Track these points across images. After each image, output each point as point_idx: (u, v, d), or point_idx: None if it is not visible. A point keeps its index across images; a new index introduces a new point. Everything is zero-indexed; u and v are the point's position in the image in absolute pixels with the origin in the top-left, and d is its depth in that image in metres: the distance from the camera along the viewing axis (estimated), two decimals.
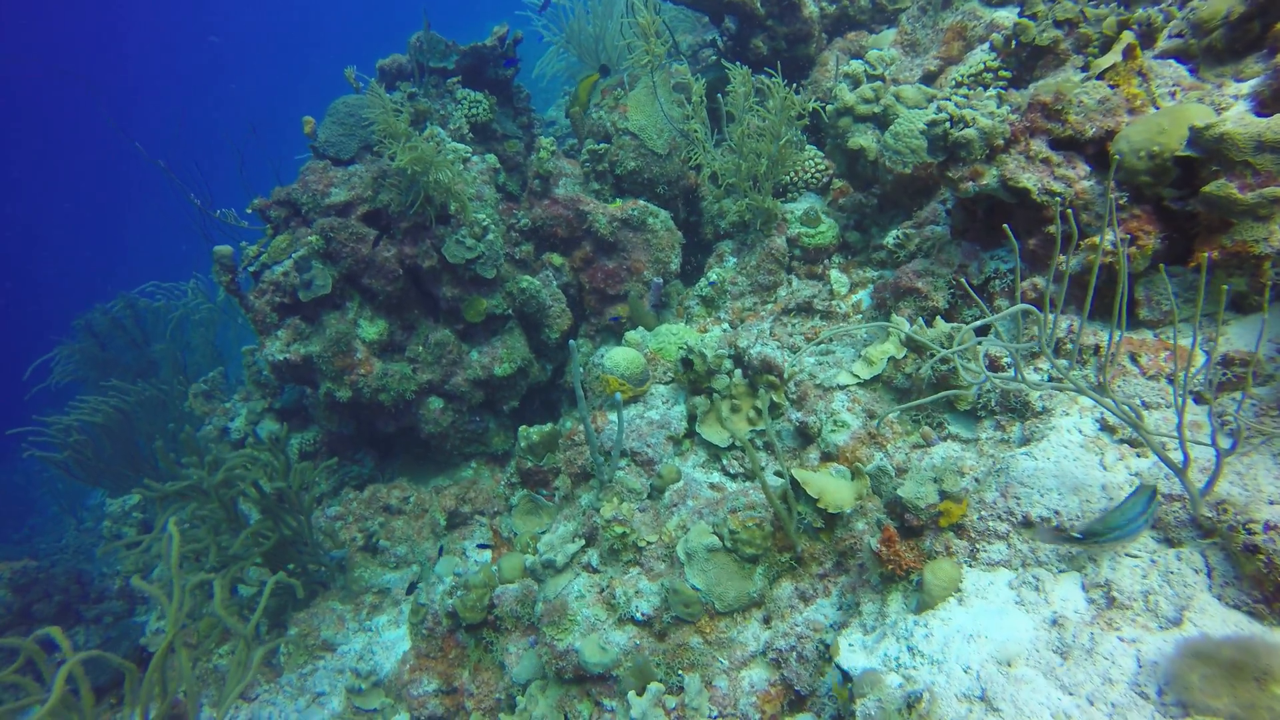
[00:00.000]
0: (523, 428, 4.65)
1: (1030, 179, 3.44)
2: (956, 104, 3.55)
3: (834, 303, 4.74)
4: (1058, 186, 3.41)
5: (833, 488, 3.41)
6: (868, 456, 3.62)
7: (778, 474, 3.63)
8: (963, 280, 3.74)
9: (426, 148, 5.03)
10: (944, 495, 2.81)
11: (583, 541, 3.80)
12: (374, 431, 5.87)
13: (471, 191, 5.44)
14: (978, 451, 3.35)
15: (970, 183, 3.54)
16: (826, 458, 3.74)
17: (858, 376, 3.86)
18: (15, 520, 10.06)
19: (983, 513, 2.82)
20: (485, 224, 5.32)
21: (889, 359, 3.82)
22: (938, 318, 3.62)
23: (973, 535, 2.80)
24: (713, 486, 3.93)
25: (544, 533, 4.55)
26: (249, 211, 5.55)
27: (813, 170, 5.44)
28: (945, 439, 3.56)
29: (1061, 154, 3.46)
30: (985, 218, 3.80)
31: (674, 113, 5.60)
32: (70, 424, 6.71)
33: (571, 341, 3.70)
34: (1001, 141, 3.50)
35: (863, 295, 4.77)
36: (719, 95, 5.23)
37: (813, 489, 3.39)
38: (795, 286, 4.91)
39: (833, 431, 3.75)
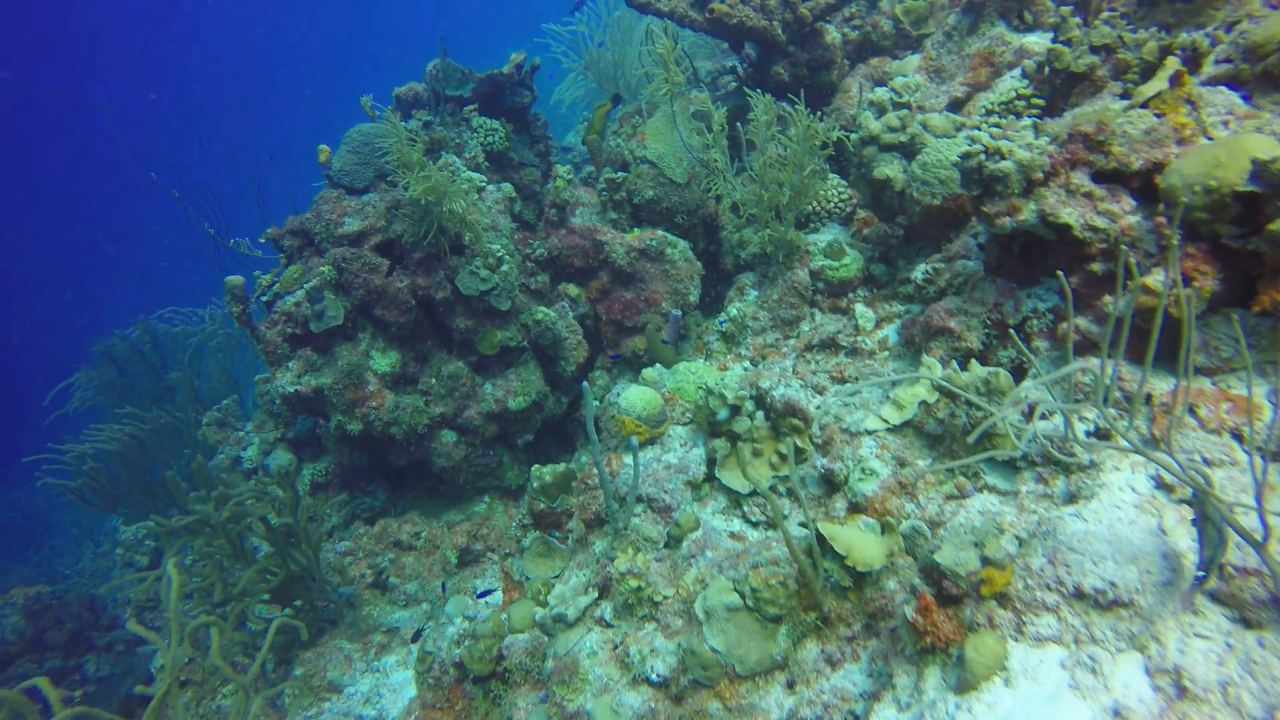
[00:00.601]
0: (535, 467, 4.40)
1: (1071, 214, 3.17)
2: (991, 135, 3.28)
3: (859, 339, 4.46)
4: (1101, 222, 3.13)
5: (861, 543, 3.13)
6: (898, 508, 3.34)
7: (802, 525, 3.35)
8: (1001, 320, 3.47)
9: (440, 177, 4.83)
10: (986, 561, 2.53)
11: (595, 594, 3.54)
12: (386, 463, 5.64)
13: (486, 221, 5.23)
14: (1017, 506, 3.06)
15: (1007, 218, 3.27)
16: (854, 508, 3.46)
17: (886, 421, 3.58)
18: (36, 542, 9.93)
19: (1029, 581, 2.53)
20: (500, 254, 5.10)
21: (920, 403, 3.53)
22: (973, 361, 3.34)
23: (1018, 606, 2.51)
24: (733, 536, 3.66)
25: (556, 577, 4.29)
26: (262, 241, 5.37)
27: (836, 200, 5.19)
28: (981, 490, 3.27)
29: (1105, 187, 3.18)
30: (1022, 254, 3.52)
31: (693, 141, 5.37)
32: (85, 452, 6.54)
33: (584, 384, 3.45)
34: (1040, 174, 3.23)
35: (889, 331, 4.50)
36: (739, 123, 4.99)
37: (840, 545, 3.11)
38: (819, 321, 4.65)
39: (860, 480, 3.46)
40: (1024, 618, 2.48)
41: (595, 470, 3.54)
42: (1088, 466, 2.90)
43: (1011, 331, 3.01)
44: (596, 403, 5.59)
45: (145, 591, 6.38)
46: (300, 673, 4.93)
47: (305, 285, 5.14)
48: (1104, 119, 3.14)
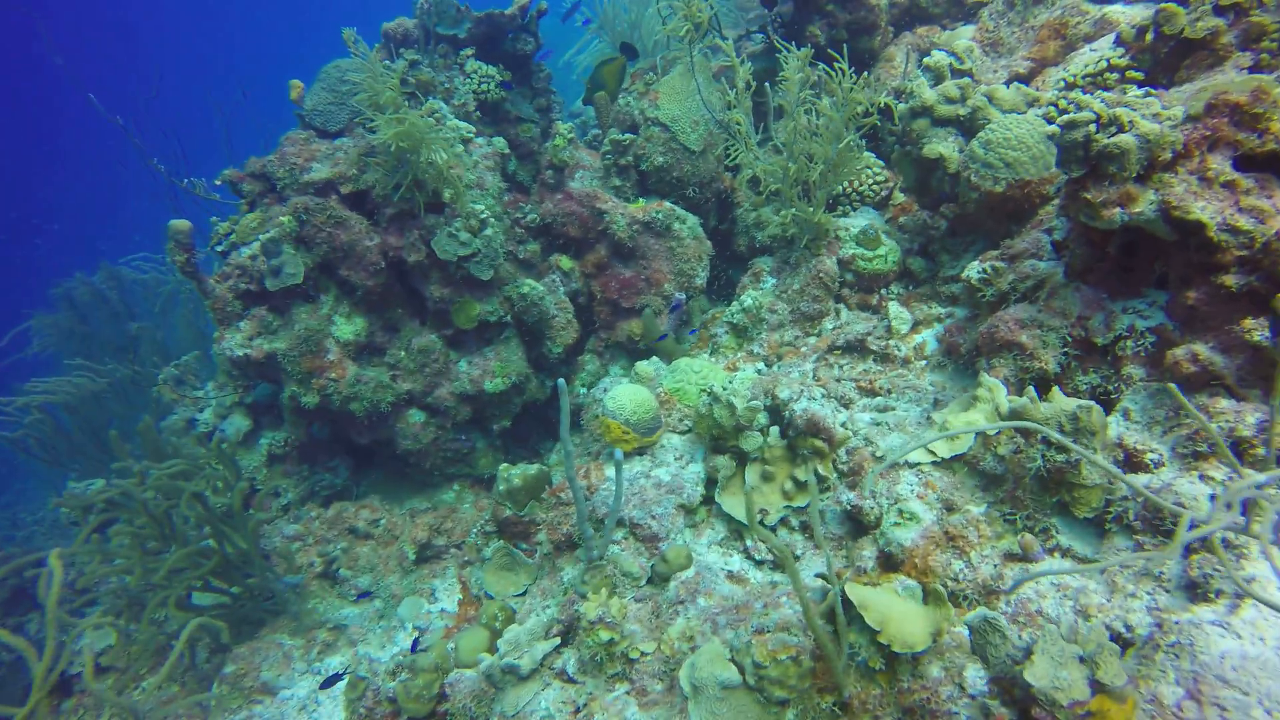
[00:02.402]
0: (503, 468, 3.53)
1: (1206, 210, 2.28)
2: (1107, 101, 2.38)
3: (891, 343, 3.59)
4: (1245, 222, 2.24)
5: (899, 615, 2.28)
6: (943, 565, 2.48)
7: (821, 578, 2.50)
8: (1086, 337, 2.59)
9: (418, 121, 3.91)
10: (1098, 687, 1.68)
11: (558, 639, 2.69)
12: (349, 438, 4.79)
13: (471, 178, 4.32)
14: (1107, 584, 2.21)
15: (1117, 209, 2.37)
16: (887, 559, 2.60)
17: (934, 453, 2.71)
18: (2, 484, 9.08)
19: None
20: (484, 216, 4.20)
21: (977, 435, 2.67)
22: (1055, 390, 2.45)
23: None
24: (732, 576, 2.80)
25: (520, 595, 3.45)
26: (218, 183, 4.46)
27: (870, 182, 4.28)
28: (1053, 552, 2.41)
29: (1252, 178, 2.29)
30: (1120, 256, 2.63)
31: (713, 100, 4.45)
32: (31, 403, 5.67)
33: (560, 382, 2.57)
34: (1169, 154, 2.33)
35: (927, 336, 3.62)
36: (767, 85, 4.07)
37: (872, 615, 2.26)
38: (845, 319, 3.77)
39: (896, 525, 2.60)
40: None
41: (569, 483, 2.68)
42: (1224, 546, 2.04)
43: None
44: (583, 390, 4.72)
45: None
46: (231, 670, 4.09)
47: (261, 236, 4.24)
48: (1263, 85, 2.24)
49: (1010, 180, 3.32)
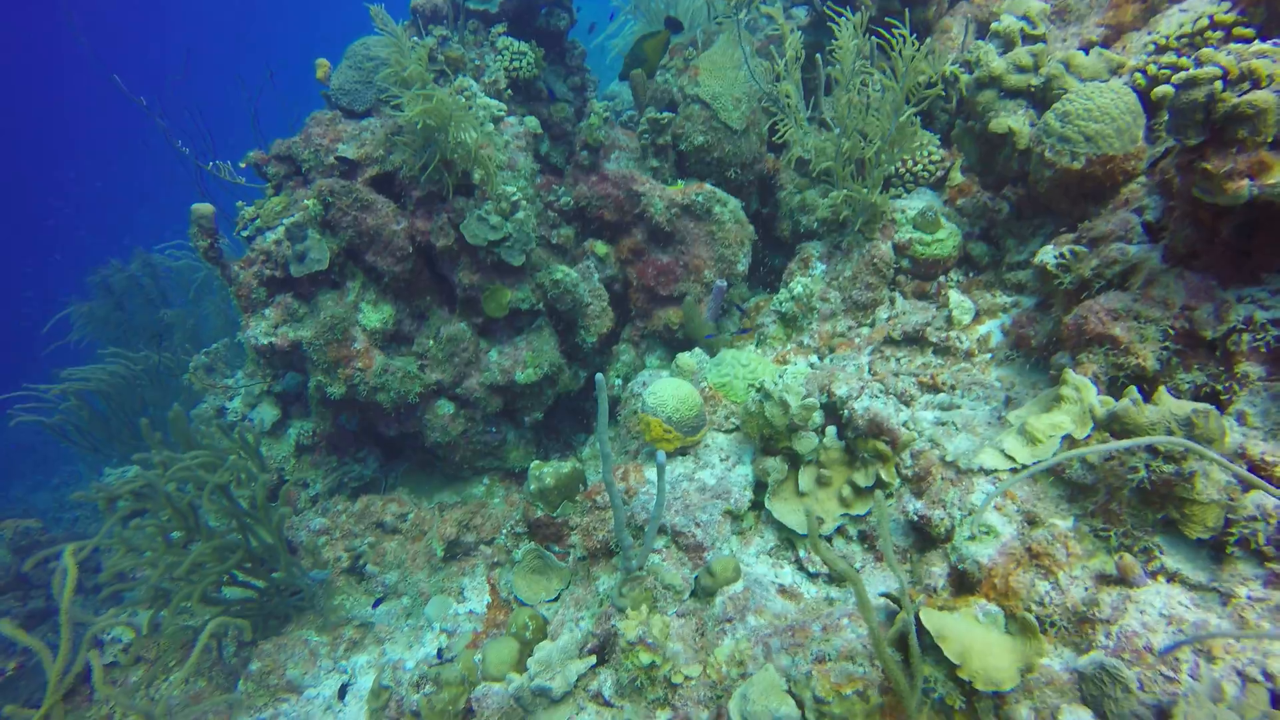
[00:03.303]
0: (534, 465, 3.24)
1: None
2: (1235, 53, 1.99)
3: (953, 334, 3.22)
4: None
5: (982, 646, 1.94)
6: (1026, 586, 2.13)
7: (888, 598, 2.17)
8: (1192, 330, 2.22)
9: (446, 98, 3.61)
10: None
11: (593, 658, 2.39)
12: (377, 429, 4.55)
13: (502, 158, 4.02)
14: (1234, 618, 1.85)
15: (1245, 181, 1.99)
16: (960, 578, 2.26)
17: (1012, 459, 2.36)
18: (54, 467, 9.05)
19: None
20: (515, 199, 3.90)
21: (1064, 438, 2.31)
22: (1162, 390, 2.08)
23: None
24: (784, 591, 2.48)
25: (552, 601, 3.17)
26: (242, 166, 4.21)
27: (924, 161, 3.89)
28: (1157, 576, 2.06)
29: None
30: (1235, 239, 2.25)
31: (759, 73, 4.09)
32: (67, 390, 5.52)
33: (599, 377, 2.27)
34: None
35: (991, 327, 3.25)
36: (817, 56, 3.70)
37: (951, 646, 1.93)
38: (900, 308, 3.40)
39: (972, 540, 2.26)
40: None
41: (606, 487, 2.38)
42: None
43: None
44: (618, 382, 4.41)
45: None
46: (256, 667, 3.89)
47: (286, 221, 3.98)
48: None
49: (1091, 156, 2.92)
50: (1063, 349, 2.67)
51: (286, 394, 5.05)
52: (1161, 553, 2.07)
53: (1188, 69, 2.18)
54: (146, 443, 4.45)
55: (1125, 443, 1.67)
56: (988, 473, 2.38)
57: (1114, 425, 2.09)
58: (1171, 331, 2.31)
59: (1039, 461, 2.33)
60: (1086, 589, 2.08)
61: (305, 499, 4.73)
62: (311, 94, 4.58)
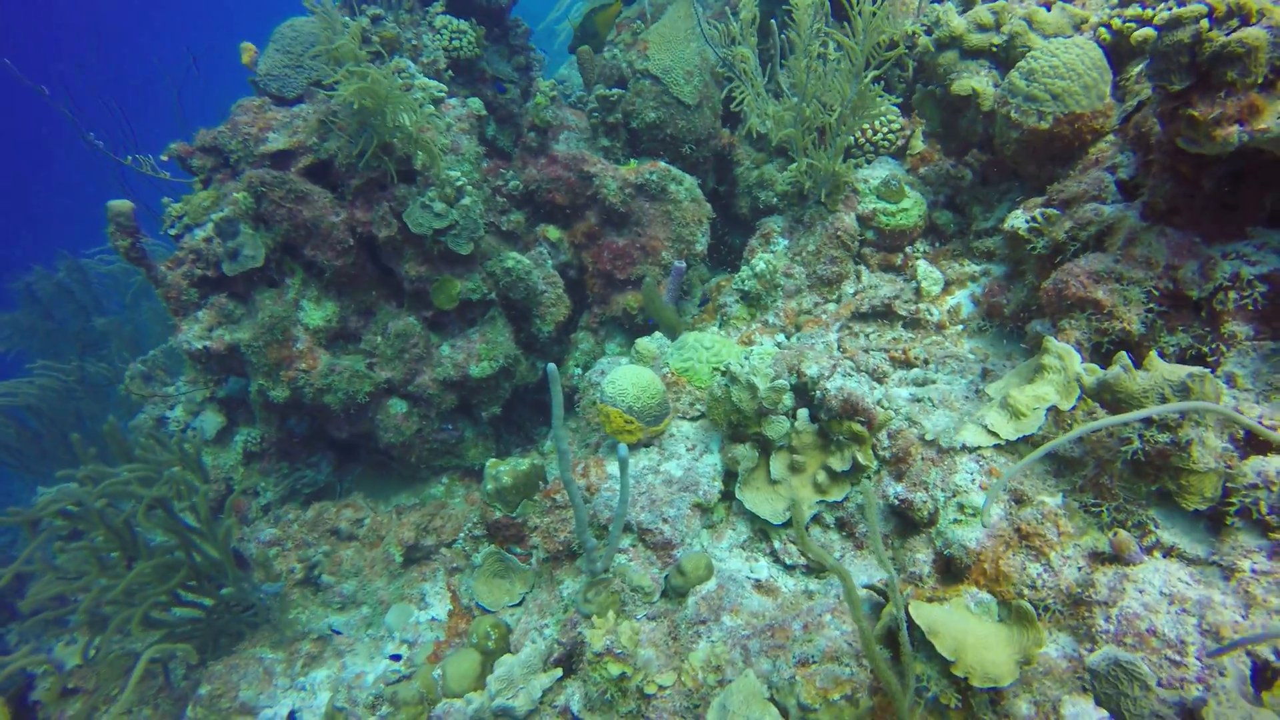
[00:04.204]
0: (490, 464, 3.01)
1: None
2: None
3: (922, 306, 3.06)
4: None
5: (977, 640, 1.77)
6: (1017, 569, 1.97)
7: (872, 590, 1.99)
8: (1177, 289, 2.07)
9: (382, 78, 3.33)
10: None
11: (558, 671, 2.17)
12: (328, 432, 4.25)
13: (444, 142, 3.74)
14: (1239, 593, 1.70)
15: (1235, 126, 1.83)
16: (947, 564, 2.09)
17: (996, 435, 2.19)
18: None
19: None
20: (460, 184, 3.63)
21: (1048, 410, 2.14)
22: (1154, 355, 1.92)
23: None
24: (759, 587, 2.29)
25: (515, 606, 2.94)
26: (164, 159, 3.88)
27: (884, 130, 3.72)
28: (1153, 551, 1.90)
29: None
30: (1217, 191, 2.09)
31: (711, 37, 3.87)
32: None
33: (549, 367, 2.04)
34: None
35: (961, 297, 3.09)
36: (772, 22, 3.49)
37: (945, 642, 1.75)
38: (868, 281, 3.23)
39: (957, 523, 2.09)
40: None
41: (565, 486, 2.15)
42: None
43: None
44: (577, 371, 4.18)
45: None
46: (206, 691, 3.60)
47: (215, 216, 3.67)
48: None
49: (1058, 114, 2.76)
50: (1040, 316, 2.51)
51: (231, 399, 4.72)
52: (1157, 526, 1.91)
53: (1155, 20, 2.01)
54: (81, 459, 4.12)
55: (1151, 411, 1.49)
56: (970, 450, 2.21)
57: (1104, 394, 1.93)
58: (1156, 292, 2.16)
59: (1030, 438, 2.17)
60: (1080, 569, 1.93)
61: (256, 508, 4.43)
62: (240, 82, 4.25)
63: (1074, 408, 2.12)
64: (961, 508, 2.11)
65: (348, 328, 3.93)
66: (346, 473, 4.64)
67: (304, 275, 3.83)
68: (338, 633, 3.58)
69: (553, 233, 4.11)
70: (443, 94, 3.85)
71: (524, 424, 4.64)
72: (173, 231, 3.94)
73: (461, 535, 3.46)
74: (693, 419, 2.75)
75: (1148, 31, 1.86)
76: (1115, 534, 1.92)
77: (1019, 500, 2.09)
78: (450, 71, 4.08)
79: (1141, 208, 2.29)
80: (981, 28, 3.04)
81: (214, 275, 3.75)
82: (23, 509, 3.60)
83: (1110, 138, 2.78)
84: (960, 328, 2.98)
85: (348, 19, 4.09)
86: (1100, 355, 2.21)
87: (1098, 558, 1.94)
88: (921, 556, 2.14)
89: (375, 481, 4.46)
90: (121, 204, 3.59)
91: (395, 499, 4.34)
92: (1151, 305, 2.16)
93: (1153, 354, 1.92)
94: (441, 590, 3.50)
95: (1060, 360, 2.18)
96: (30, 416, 5.33)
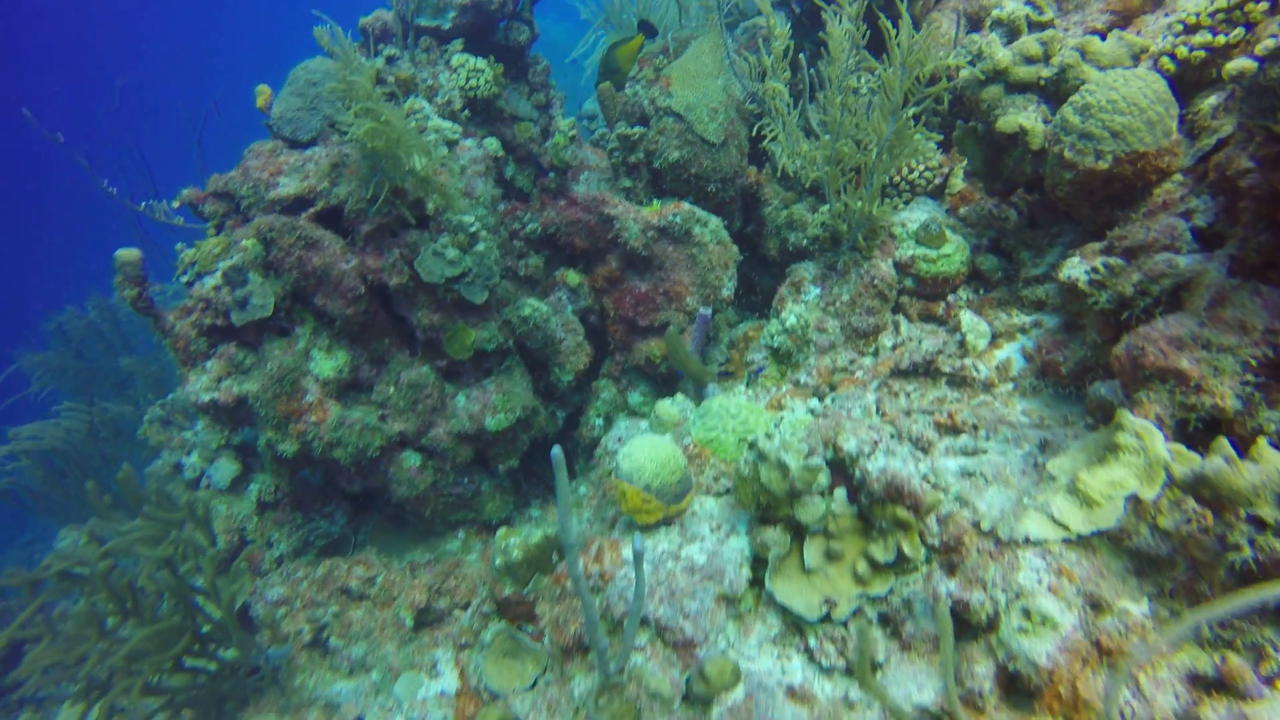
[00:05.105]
0: (500, 534, 2.74)
1: None
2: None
3: (968, 362, 2.74)
4: None
5: None
6: (1101, 697, 1.63)
7: (929, 716, 1.67)
8: (1274, 357, 1.74)
9: (395, 118, 3.13)
10: None
11: None
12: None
13: (458, 185, 3.53)
14: None
15: None
16: (1010, 680, 1.76)
17: (1064, 527, 1.86)
18: (19, 521, 8.46)
19: None
20: (474, 229, 3.41)
21: (1128, 498, 1.81)
22: (1262, 442, 1.59)
23: None
24: (794, 694, 1.97)
25: (529, 690, 2.65)
26: (175, 205, 3.72)
27: (920, 168, 3.42)
28: (1273, 680, 1.56)
29: None
30: None
31: (742, 71, 3.62)
32: (15, 450, 4.99)
33: (555, 451, 1.77)
34: None
35: (1011, 352, 2.76)
36: (801, 55, 3.23)
37: None
38: (907, 333, 2.92)
39: (1023, 633, 1.77)
40: None
41: (574, 583, 1.88)
42: None
43: None
44: (598, 422, 3.90)
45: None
46: None
47: (223, 264, 3.49)
48: None
49: (1119, 153, 2.45)
50: (1105, 378, 2.19)
51: (246, 445, 4.53)
52: (1277, 650, 1.57)
53: (1236, 45, 1.71)
54: (94, 509, 3.95)
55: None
56: (1035, 544, 1.88)
57: (1202, 490, 1.60)
58: (1253, 362, 1.82)
59: (1106, 532, 1.83)
60: (1179, 698, 1.59)
61: (270, 560, 4.21)
62: (257, 126, 4.10)
63: (1158, 497, 1.79)
64: (1027, 614, 1.78)
65: (359, 377, 3.71)
66: (362, 523, 4.41)
67: (314, 324, 3.63)
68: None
69: (572, 277, 3.86)
70: (457, 135, 3.65)
71: (544, 474, 4.38)
72: (184, 278, 3.77)
73: (469, 613, 3.19)
74: (718, 495, 2.45)
75: (1244, 64, 1.56)
76: (1224, 659, 1.58)
77: (1095, 606, 1.76)
78: (467, 111, 3.88)
79: (1229, 261, 1.96)
80: (1029, 60, 2.75)
81: (224, 324, 3.57)
82: (21, 570, 3.42)
83: (1178, 178, 2.46)
84: (1011, 386, 2.65)
85: (364, 59, 3.93)
86: (1187, 434, 1.87)
87: (1200, 682, 1.61)
88: (981, 670, 1.81)
89: (389, 535, 4.22)
90: (129, 253, 3.43)
91: (410, 554, 4.09)
92: (1248, 377, 1.83)
93: (1261, 442, 1.59)
94: (451, 658, 3.23)
95: (1139, 439, 1.85)
96: (57, 459, 5.22)
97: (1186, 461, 1.67)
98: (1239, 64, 1.57)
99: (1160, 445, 1.81)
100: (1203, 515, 1.66)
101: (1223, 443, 1.58)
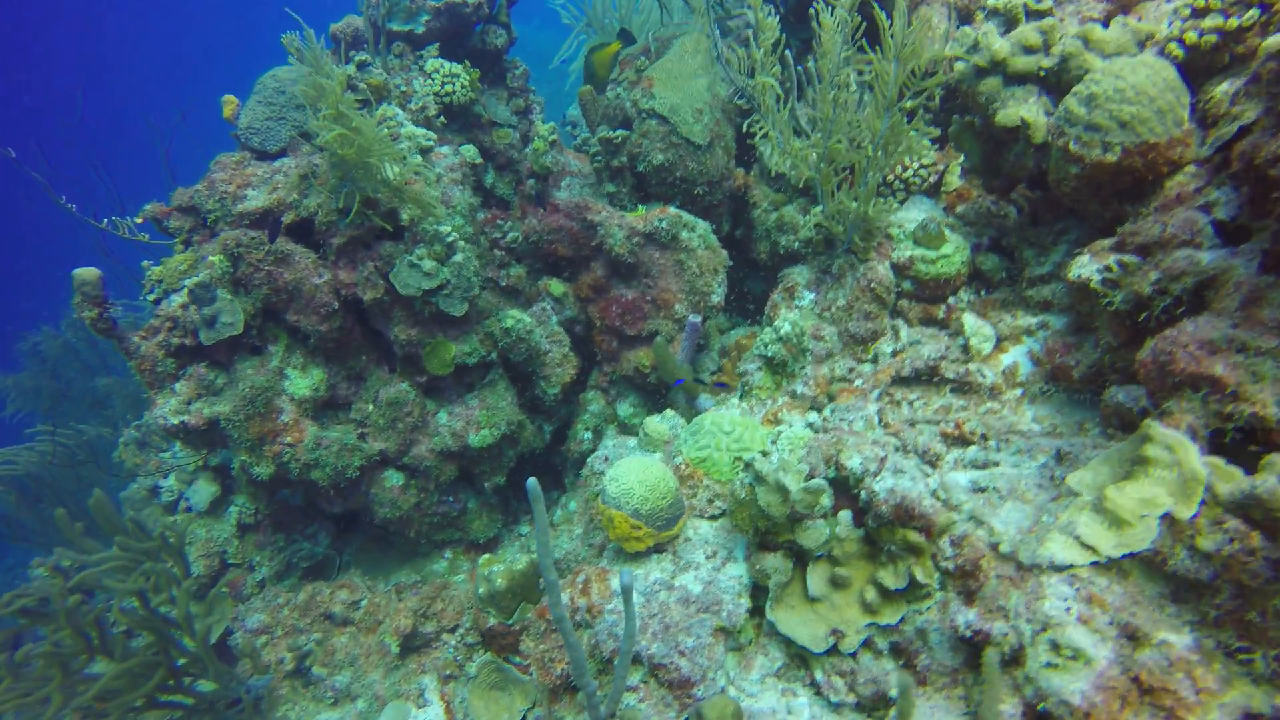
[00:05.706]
0: (483, 562, 2.54)
1: None
2: None
3: (972, 367, 2.56)
4: None
5: None
6: None
7: None
8: None
9: (366, 125, 2.93)
10: None
11: None
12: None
13: (434, 194, 3.32)
14: None
15: None
16: (1039, 719, 1.58)
17: (1093, 550, 1.68)
18: (3, 546, 8.18)
19: None
20: (451, 240, 3.21)
21: (1161, 518, 1.63)
22: None
23: None
24: None
25: None
26: (139, 221, 3.51)
27: (914, 165, 3.24)
28: None
29: None
30: None
31: (728, 71, 3.44)
32: None
33: (531, 483, 1.58)
34: None
35: (1018, 356, 2.59)
36: (788, 53, 3.04)
37: None
38: (907, 338, 2.73)
39: (1053, 668, 1.58)
40: None
41: (557, 624, 1.68)
42: None
43: None
44: (587, 435, 3.71)
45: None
46: None
47: (188, 281, 3.27)
48: None
49: (1128, 145, 2.28)
50: (1122, 382, 2.01)
51: (225, 466, 4.31)
52: None
53: (1250, 27, 1.53)
54: (66, 537, 3.72)
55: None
56: (1060, 569, 1.70)
57: (1252, 511, 1.42)
58: None
59: (1139, 555, 1.65)
60: None
61: (252, 584, 3.99)
62: (226, 137, 3.89)
63: (1195, 515, 1.60)
64: (1056, 647, 1.60)
65: (337, 395, 3.50)
66: (347, 543, 4.19)
67: (288, 341, 3.42)
68: None
69: (556, 287, 3.67)
70: (431, 142, 3.44)
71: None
72: (151, 296, 3.55)
73: (453, 643, 2.98)
74: (712, 518, 2.25)
75: (1276, 40, 1.38)
76: None
77: (1132, 637, 1.57)
78: (443, 118, 3.68)
79: (1260, 256, 1.79)
80: (1028, 50, 2.57)
81: (192, 344, 3.35)
82: None
83: (1191, 169, 2.29)
84: (1019, 392, 2.47)
85: (335, 66, 3.72)
86: (1222, 446, 1.69)
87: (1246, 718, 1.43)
88: (1007, 708, 1.62)
89: (374, 555, 4.00)
90: (87, 272, 3.21)
91: (395, 575, 3.88)
92: None
93: None
94: (438, 687, 3.02)
95: (1171, 452, 1.67)
96: (30, 484, 4.97)
97: (1229, 478, 1.49)
98: (1274, 40, 1.40)
99: (1195, 459, 1.63)
100: (1248, 536, 1.48)
101: (1275, 460, 1.41)
